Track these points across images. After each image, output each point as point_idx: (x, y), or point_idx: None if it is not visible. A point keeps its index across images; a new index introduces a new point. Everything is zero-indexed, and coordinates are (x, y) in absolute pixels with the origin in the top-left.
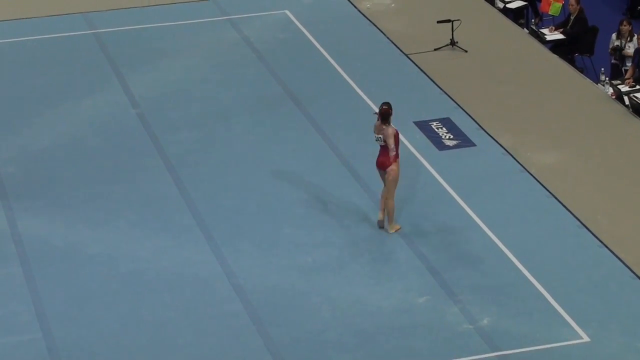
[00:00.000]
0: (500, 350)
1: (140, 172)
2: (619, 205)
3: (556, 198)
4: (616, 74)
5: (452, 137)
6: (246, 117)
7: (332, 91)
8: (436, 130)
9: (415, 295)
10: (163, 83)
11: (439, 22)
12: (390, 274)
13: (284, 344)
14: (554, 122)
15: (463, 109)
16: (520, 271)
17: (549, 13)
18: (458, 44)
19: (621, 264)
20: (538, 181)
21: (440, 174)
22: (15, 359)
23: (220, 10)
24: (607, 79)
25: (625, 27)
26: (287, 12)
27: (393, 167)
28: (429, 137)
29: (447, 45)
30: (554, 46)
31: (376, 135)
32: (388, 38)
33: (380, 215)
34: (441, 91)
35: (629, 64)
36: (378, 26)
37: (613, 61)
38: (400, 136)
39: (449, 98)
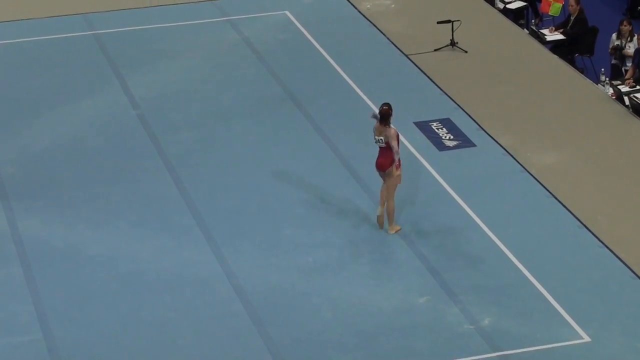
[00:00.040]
0: (501, 351)
1: (140, 173)
2: (619, 205)
3: (556, 198)
4: (616, 74)
5: (452, 137)
6: (246, 117)
7: (332, 92)
8: (436, 130)
9: (415, 296)
10: (163, 84)
11: (439, 22)
12: (391, 274)
13: (285, 344)
14: (554, 122)
15: (463, 110)
16: (520, 271)
17: (549, 13)
18: (458, 45)
19: (621, 264)
20: (538, 181)
21: (440, 174)
22: None
23: (220, 11)
24: (607, 79)
25: (626, 27)
26: (287, 12)
27: (396, 171)
28: (429, 137)
29: (447, 45)
30: (554, 46)
31: (377, 137)
32: (388, 39)
33: (379, 211)
34: (441, 92)
35: (629, 64)
36: (378, 27)
37: (613, 61)
38: (401, 137)
39: (449, 98)
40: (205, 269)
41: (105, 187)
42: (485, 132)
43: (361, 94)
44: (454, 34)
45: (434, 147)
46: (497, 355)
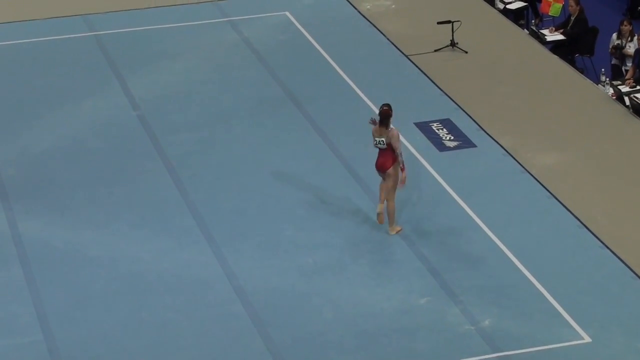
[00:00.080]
0: (502, 351)
1: (140, 174)
2: (620, 205)
3: (557, 199)
4: (616, 74)
5: (452, 138)
6: (246, 118)
7: (333, 92)
8: (437, 131)
9: (416, 297)
10: (163, 85)
11: (439, 23)
12: (391, 275)
13: (285, 345)
14: (554, 122)
15: (463, 110)
16: (521, 272)
17: (549, 14)
18: (458, 45)
19: (622, 264)
20: (539, 182)
21: (440, 175)
22: None
23: (220, 12)
24: (607, 79)
25: (626, 27)
26: (287, 13)
27: (395, 171)
28: (429, 138)
29: (447, 46)
30: (554, 47)
31: (377, 138)
32: (388, 39)
33: (379, 208)
34: (441, 92)
35: (629, 64)
36: (378, 27)
37: (613, 62)
38: (401, 137)
39: (449, 99)
40: (206, 270)
41: (105, 188)
42: (486, 132)
43: (361, 94)
44: (454, 34)
45: (434, 148)
46: (498, 356)
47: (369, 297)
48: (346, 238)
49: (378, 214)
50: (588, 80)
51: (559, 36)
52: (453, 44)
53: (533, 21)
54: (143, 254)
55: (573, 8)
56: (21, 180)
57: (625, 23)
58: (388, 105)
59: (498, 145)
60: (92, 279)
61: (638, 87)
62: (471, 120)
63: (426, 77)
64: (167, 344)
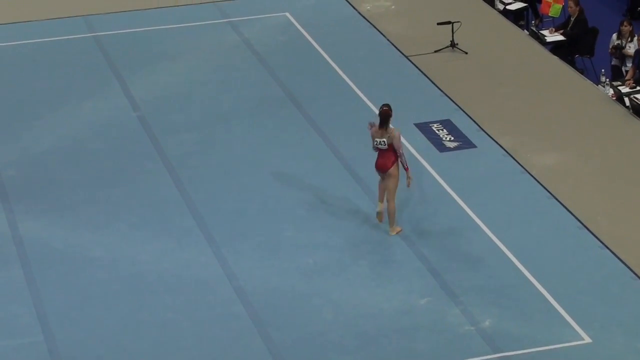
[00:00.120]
0: (502, 352)
1: (140, 175)
2: (620, 206)
3: (557, 199)
4: (616, 75)
5: (452, 138)
6: (247, 119)
7: (333, 93)
8: (437, 132)
9: (416, 297)
10: (163, 85)
11: (439, 24)
12: (392, 275)
13: (285, 345)
14: (554, 123)
15: (463, 111)
16: (521, 272)
17: (549, 14)
18: (458, 46)
19: (622, 265)
20: (539, 182)
21: (441, 175)
22: None
23: (220, 13)
24: (607, 80)
25: (626, 28)
26: (287, 14)
27: (396, 171)
28: (429, 138)
29: (447, 47)
30: (554, 47)
31: (378, 139)
32: (388, 40)
33: (379, 207)
34: (442, 93)
35: (629, 64)
36: (378, 28)
37: (613, 62)
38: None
39: (449, 100)
40: (206, 271)
41: (105, 189)
42: (486, 133)
43: (361, 95)
44: (454, 35)
45: (434, 149)
46: (498, 357)
47: (369, 297)
48: (346, 238)
49: (378, 213)
50: (588, 81)
51: (559, 37)
52: (453, 44)
53: (533, 22)
54: (143, 254)
55: (572, 9)
56: (21, 180)
57: (625, 23)
58: (388, 105)
59: (498, 146)
60: (92, 279)
61: (638, 88)
62: (471, 120)
63: (426, 78)
64: (167, 344)
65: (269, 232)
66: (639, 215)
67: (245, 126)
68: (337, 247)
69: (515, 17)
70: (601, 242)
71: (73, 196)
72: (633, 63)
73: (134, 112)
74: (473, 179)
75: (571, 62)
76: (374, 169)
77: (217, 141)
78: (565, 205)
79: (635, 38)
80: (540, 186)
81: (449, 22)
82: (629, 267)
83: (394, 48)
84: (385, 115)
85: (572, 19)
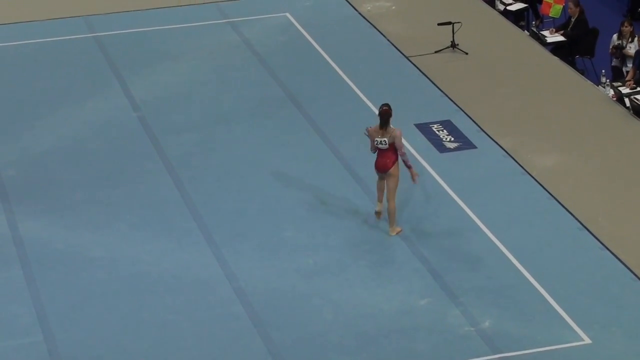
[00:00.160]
0: (502, 353)
1: (141, 175)
2: (620, 207)
3: (557, 200)
4: (617, 75)
5: (453, 139)
6: (247, 119)
7: (333, 93)
8: (437, 132)
9: (416, 298)
10: (164, 86)
11: (439, 24)
12: (392, 276)
13: (285, 346)
14: (554, 124)
15: (464, 111)
16: (521, 273)
17: (550, 15)
18: (459, 47)
19: (622, 265)
20: (539, 183)
21: (441, 176)
22: None
23: (220, 13)
24: (607, 80)
25: (627, 28)
26: (287, 14)
27: (396, 171)
28: (429, 139)
29: (447, 47)
30: (555, 48)
31: (379, 138)
32: (388, 40)
33: (378, 207)
34: (442, 93)
35: (629, 65)
36: (378, 29)
37: (614, 63)
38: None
39: (449, 100)
40: (206, 271)
41: (105, 189)
42: (486, 133)
43: (362, 95)
44: (455, 35)
45: (434, 149)
46: (498, 357)
47: (369, 298)
48: (346, 239)
49: (377, 212)
50: (588, 81)
51: (559, 37)
52: (453, 45)
53: (533, 22)
54: (143, 254)
55: (572, 10)
56: (22, 181)
57: (625, 24)
58: (387, 105)
59: (498, 147)
60: (93, 279)
61: (638, 89)
62: (471, 121)
63: (426, 79)
64: (168, 344)
65: (269, 232)
66: (639, 216)
67: (246, 126)
68: (337, 247)
69: (515, 17)
70: (601, 243)
71: (73, 196)
72: (633, 64)
73: (134, 112)
74: (473, 179)
75: (571, 63)
76: (373, 169)
77: (217, 141)
78: (566, 206)
79: (636, 39)
80: (540, 187)
81: (449, 23)
82: (629, 268)
83: (394, 48)
84: (385, 114)
85: (573, 19)
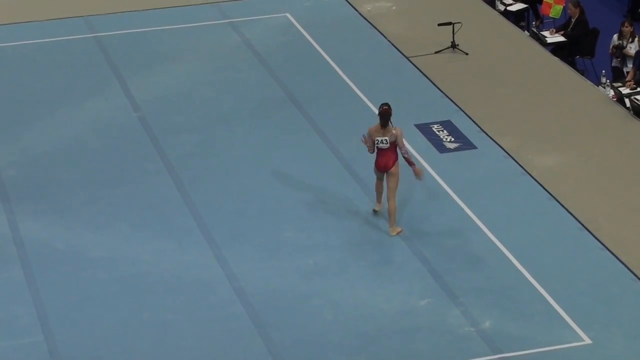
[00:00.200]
0: (502, 353)
1: (141, 175)
2: (620, 207)
3: (557, 200)
4: (617, 76)
5: (453, 139)
6: (247, 120)
7: (333, 94)
8: (437, 132)
9: (416, 298)
10: (164, 86)
11: (439, 24)
12: (392, 276)
13: (286, 346)
14: (555, 124)
15: (464, 112)
16: (521, 273)
17: (550, 15)
18: (459, 47)
19: (623, 266)
20: (539, 184)
21: (441, 176)
22: None
23: (221, 14)
24: (608, 81)
25: (627, 29)
26: (288, 15)
27: (397, 170)
28: (430, 139)
29: (448, 47)
30: (555, 49)
31: (379, 138)
32: (389, 41)
33: (378, 207)
34: (442, 94)
35: (629, 65)
36: (379, 29)
37: (614, 63)
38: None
39: (449, 101)
40: (206, 271)
41: (106, 190)
42: (486, 134)
43: (362, 96)
44: (455, 36)
45: (434, 150)
46: (498, 358)
47: (370, 298)
48: (346, 239)
49: (375, 211)
50: (588, 82)
51: (559, 38)
52: (454, 45)
53: (534, 23)
54: (143, 255)
55: (572, 10)
56: (22, 181)
57: (626, 24)
58: (387, 104)
59: (498, 147)
60: (93, 279)
61: (638, 89)
62: (472, 121)
63: (427, 79)
64: (168, 344)
65: (269, 232)
66: (639, 216)
67: (246, 127)
68: (337, 247)
69: (516, 18)
70: (601, 243)
71: (73, 196)
72: (634, 64)
73: (134, 113)
74: (473, 180)
75: (572, 63)
76: (373, 169)
77: (218, 142)
78: (566, 206)
79: (636, 39)
80: (540, 187)
81: (449, 23)
82: (629, 269)
83: (395, 49)
84: (385, 114)
85: (573, 20)
